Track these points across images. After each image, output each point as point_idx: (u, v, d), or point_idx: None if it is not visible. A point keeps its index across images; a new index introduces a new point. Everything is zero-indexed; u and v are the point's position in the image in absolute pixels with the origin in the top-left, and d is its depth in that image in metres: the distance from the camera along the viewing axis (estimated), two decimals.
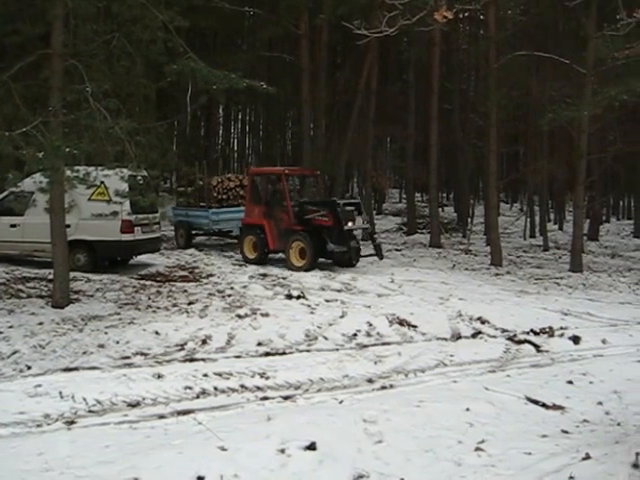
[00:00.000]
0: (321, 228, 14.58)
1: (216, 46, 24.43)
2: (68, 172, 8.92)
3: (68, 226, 10.72)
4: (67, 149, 8.22)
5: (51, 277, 10.58)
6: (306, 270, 14.13)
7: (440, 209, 28.58)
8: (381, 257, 15.38)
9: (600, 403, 6.46)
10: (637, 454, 4.51)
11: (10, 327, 8.62)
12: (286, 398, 6.70)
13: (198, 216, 18.25)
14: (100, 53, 9.88)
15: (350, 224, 14.60)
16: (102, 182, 10.97)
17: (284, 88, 25.28)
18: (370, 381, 7.36)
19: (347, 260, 15.01)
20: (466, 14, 24.62)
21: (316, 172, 17.07)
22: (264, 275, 13.60)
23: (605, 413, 6.17)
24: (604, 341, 9.35)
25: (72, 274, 11.10)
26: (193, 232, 18.60)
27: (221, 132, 36.03)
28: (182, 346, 8.28)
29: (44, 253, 11.95)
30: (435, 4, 5.10)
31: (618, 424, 5.79)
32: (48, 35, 9.57)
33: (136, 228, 13.00)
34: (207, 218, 17.96)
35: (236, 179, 19.12)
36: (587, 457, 4.78)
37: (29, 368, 7.24)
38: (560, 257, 19.34)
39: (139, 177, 11.01)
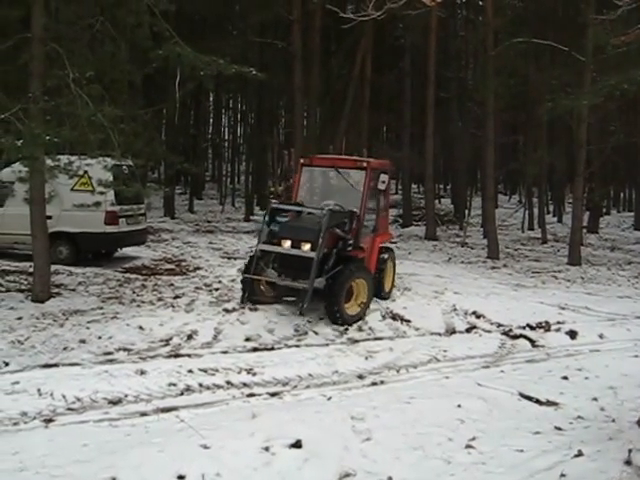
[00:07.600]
0: None
1: (205, 32, 23.90)
2: (49, 161, 8.69)
3: (49, 217, 10.43)
4: (47, 137, 7.99)
5: (31, 270, 10.26)
6: None
7: (437, 201, 28.36)
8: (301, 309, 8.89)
9: (595, 399, 6.37)
10: (630, 451, 4.38)
11: None
12: (273, 395, 6.57)
13: None
14: (83, 37, 9.58)
15: (287, 245, 9.21)
16: (85, 171, 10.68)
17: (276, 76, 24.85)
18: (360, 377, 7.22)
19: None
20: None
21: (362, 164, 10.57)
22: None
23: (600, 409, 6.07)
24: (601, 336, 9.21)
25: (54, 267, 10.80)
26: None
27: (211, 121, 35.44)
28: (167, 341, 8.08)
29: (24, 245, 11.59)
30: None
31: (613, 420, 5.69)
32: (28, 18, 9.22)
33: (121, 219, 12.72)
34: None
35: None
36: (579, 454, 4.72)
37: (7, 365, 7.04)
38: (559, 250, 19.12)
39: (124, 166, 10.74)
